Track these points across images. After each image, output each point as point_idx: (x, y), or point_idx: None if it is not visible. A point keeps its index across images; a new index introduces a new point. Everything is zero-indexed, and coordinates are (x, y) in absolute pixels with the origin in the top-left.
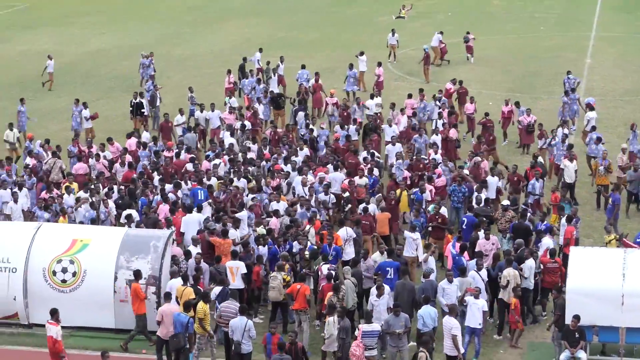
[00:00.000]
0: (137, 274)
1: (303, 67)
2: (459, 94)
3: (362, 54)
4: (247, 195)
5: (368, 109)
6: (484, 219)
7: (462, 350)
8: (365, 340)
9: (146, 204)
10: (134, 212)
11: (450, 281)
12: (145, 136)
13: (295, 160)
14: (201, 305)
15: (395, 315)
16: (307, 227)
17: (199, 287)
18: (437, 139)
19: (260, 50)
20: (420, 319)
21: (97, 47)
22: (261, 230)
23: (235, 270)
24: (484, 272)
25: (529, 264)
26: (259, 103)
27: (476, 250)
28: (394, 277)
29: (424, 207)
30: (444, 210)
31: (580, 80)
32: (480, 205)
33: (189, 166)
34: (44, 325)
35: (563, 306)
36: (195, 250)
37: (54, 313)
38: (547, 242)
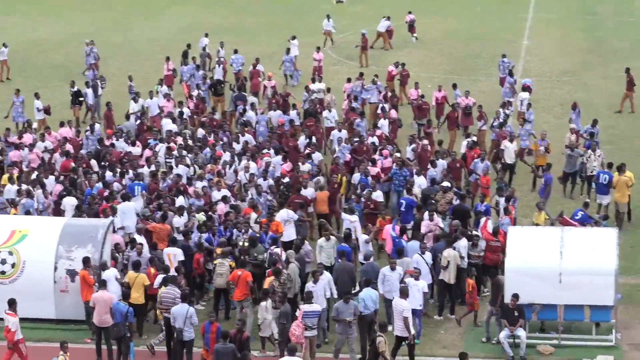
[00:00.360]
0: (86, 261)
1: (235, 52)
2: (402, 76)
3: (294, 38)
4: (191, 184)
5: (317, 92)
6: (432, 201)
7: (413, 332)
8: (306, 320)
9: (90, 194)
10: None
11: (393, 269)
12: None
13: (234, 148)
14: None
15: (345, 303)
16: (252, 214)
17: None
18: (385, 122)
19: (206, 35)
20: (362, 302)
21: (34, 36)
22: (200, 217)
23: (173, 257)
24: (427, 256)
25: (462, 244)
26: (198, 89)
27: (422, 231)
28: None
29: (358, 191)
30: (377, 195)
31: (514, 64)
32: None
33: (135, 150)
34: None
35: (498, 286)
36: (140, 238)
37: (12, 303)
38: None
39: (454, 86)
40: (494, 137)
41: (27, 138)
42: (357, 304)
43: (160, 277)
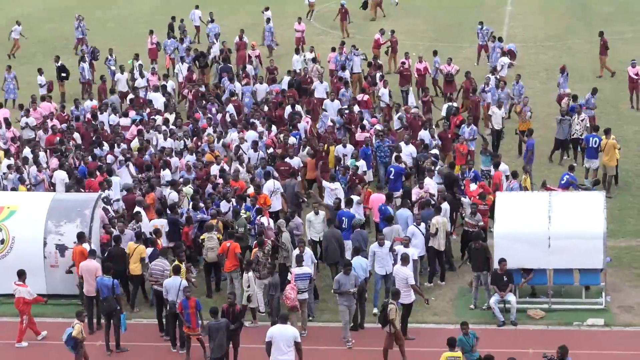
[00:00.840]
0: (81, 236)
1: (212, 21)
2: (392, 44)
3: (267, 9)
4: (182, 157)
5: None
6: (432, 168)
7: (425, 296)
8: (298, 283)
9: (85, 171)
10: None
11: (381, 244)
12: (88, 103)
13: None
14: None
15: (346, 274)
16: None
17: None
18: (385, 91)
19: (197, 7)
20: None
21: (18, 12)
22: (187, 189)
23: (161, 228)
24: (423, 227)
25: (444, 207)
26: (182, 62)
27: (413, 199)
28: (348, 227)
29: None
30: (360, 164)
31: (493, 30)
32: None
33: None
34: None
35: (485, 251)
36: (142, 212)
37: (22, 274)
38: (472, 187)
39: (435, 53)
40: (483, 103)
41: (4, 113)
42: (357, 275)
43: (149, 250)
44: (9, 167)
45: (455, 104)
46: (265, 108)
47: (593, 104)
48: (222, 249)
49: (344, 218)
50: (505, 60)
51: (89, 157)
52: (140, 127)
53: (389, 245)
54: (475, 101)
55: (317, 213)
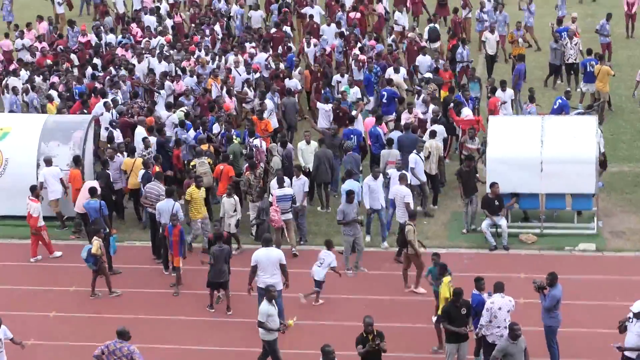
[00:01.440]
0: (77, 160)
1: None
2: None
3: None
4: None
5: None
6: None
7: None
8: (280, 204)
9: (83, 90)
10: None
11: (376, 177)
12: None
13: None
14: (192, 188)
15: (349, 203)
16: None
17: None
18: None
19: None
20: (344, 194)
21: None
22: (179, 113)
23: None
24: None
25: (439, 129)
26: None
27: (402, 123)
28: (356, 144)
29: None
30: (354, 92)
31: None
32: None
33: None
34: None
35: (464, 174)
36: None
37: (34, 189)
38: (466, 112)
39: None
40: (479, 28)
41: None
42: (357, 204)
43: (141, 172)
44: (5, 87)
45: (437, 26)
46: (264, 31)
47: (608, 30)
48: (216, 172)
49: (352, 136)
50: None
51: (86, 78)
52: (123, 52)
53: (382, 179)
54: (456, 21)
55: (308, 142)
